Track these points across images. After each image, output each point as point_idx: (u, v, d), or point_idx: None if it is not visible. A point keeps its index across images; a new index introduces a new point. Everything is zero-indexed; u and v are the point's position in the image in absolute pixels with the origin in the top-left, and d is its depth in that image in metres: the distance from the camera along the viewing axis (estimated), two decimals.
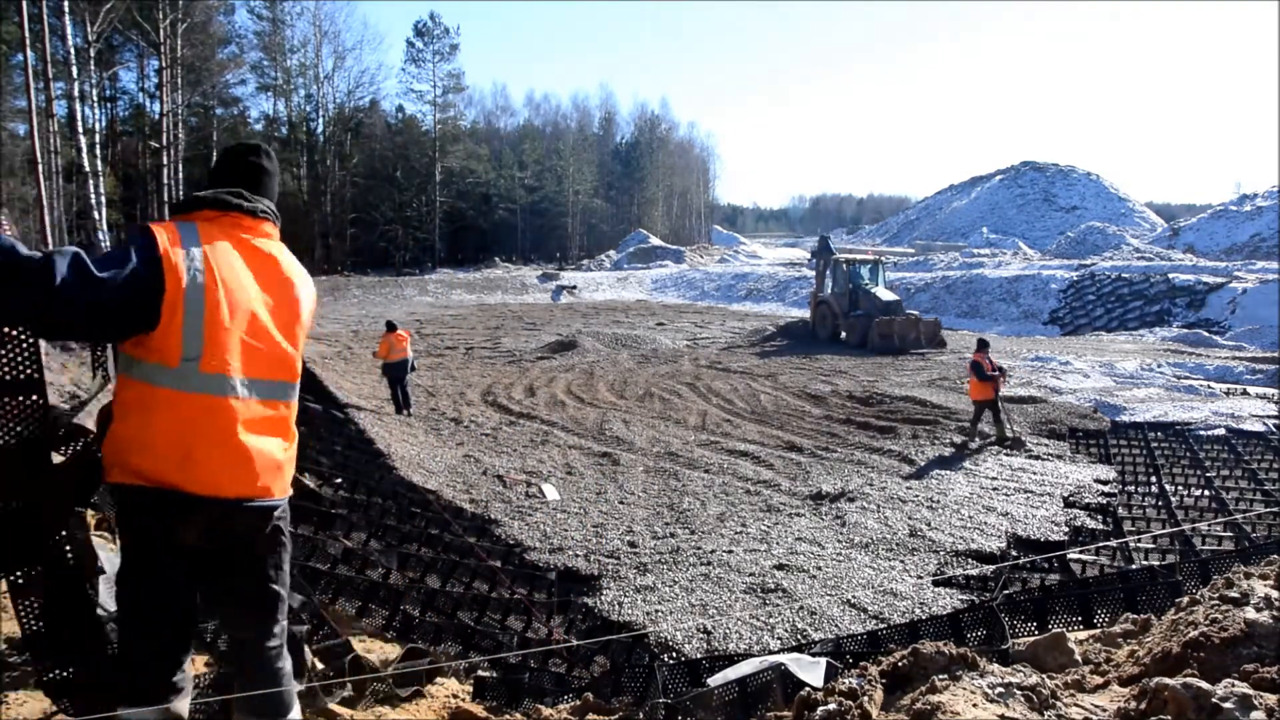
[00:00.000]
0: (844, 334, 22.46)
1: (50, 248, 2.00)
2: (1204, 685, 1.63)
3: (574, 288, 41.37)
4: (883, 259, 26.50)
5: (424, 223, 54.34)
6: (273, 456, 2.04)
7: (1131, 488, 9.57)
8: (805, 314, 26.20)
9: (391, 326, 14.02)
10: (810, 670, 2.89)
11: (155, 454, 1.90)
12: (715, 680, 3.20)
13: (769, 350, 21.61)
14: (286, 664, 2.15)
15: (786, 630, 6.01)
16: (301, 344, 2.15)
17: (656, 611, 6.33)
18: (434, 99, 55.64)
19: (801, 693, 2.26)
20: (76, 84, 27.54)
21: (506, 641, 5.12)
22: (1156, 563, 6.43)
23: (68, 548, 2.14)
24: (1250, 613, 2.12)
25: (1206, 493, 9.11)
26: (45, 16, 23.32)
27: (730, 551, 7.51)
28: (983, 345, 11.97)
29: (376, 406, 14.05)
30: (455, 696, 3.71)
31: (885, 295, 22.44)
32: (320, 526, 5.74)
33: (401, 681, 3.59)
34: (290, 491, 2.15)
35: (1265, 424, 11.87)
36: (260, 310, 2.03)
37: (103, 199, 25.24)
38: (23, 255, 1.68)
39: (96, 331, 2.11)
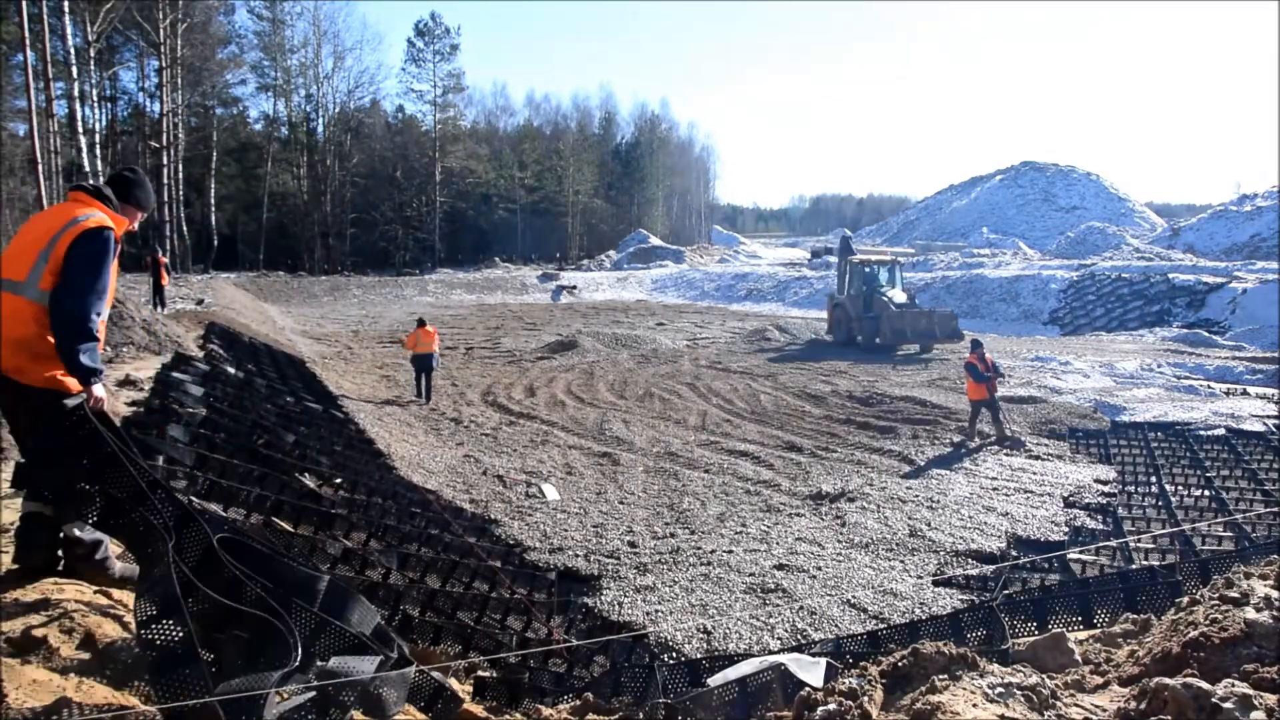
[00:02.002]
0: (859, 336, 22.24)
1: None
2: (1204, 685, 1.63)
3: (574, 288, 41.32)
4: (899, 260, 26.09)
5: (424, 223, 54.33)
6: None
7: (1131, 488, 9.57)
8: (814, 315, 25.79)
9: (421, 323, 15.00)
10: (810, 670, 2.88)
11: None
12: (715, 680, 3.19)
13: (772, 353, 21.57)
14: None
15: (786, 630, 6.01)
16: (39, 255, 2.84)
17: (656, 611, 6.33)
18: (434, 99, 55.69)
19: (801, 693, 2.26)
20: (76, 84, 27.57)
21: (506, 641, 5.11)
22: (1156, 563, 6.43)
23: None
24: (1250, 613, 2.12)
25: (1206, 493, 9.11)
26: (45, 16, 23.34)
27: (730, 551, 7.51)
28: (976, 346, 11.98)
29: (377, 405, 14.06)
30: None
31: (898, 297, 22.17)
32: (320, 526, 5.74)
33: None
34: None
35: (1265, 424, 11.87)
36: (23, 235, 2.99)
37: None
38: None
39: None
